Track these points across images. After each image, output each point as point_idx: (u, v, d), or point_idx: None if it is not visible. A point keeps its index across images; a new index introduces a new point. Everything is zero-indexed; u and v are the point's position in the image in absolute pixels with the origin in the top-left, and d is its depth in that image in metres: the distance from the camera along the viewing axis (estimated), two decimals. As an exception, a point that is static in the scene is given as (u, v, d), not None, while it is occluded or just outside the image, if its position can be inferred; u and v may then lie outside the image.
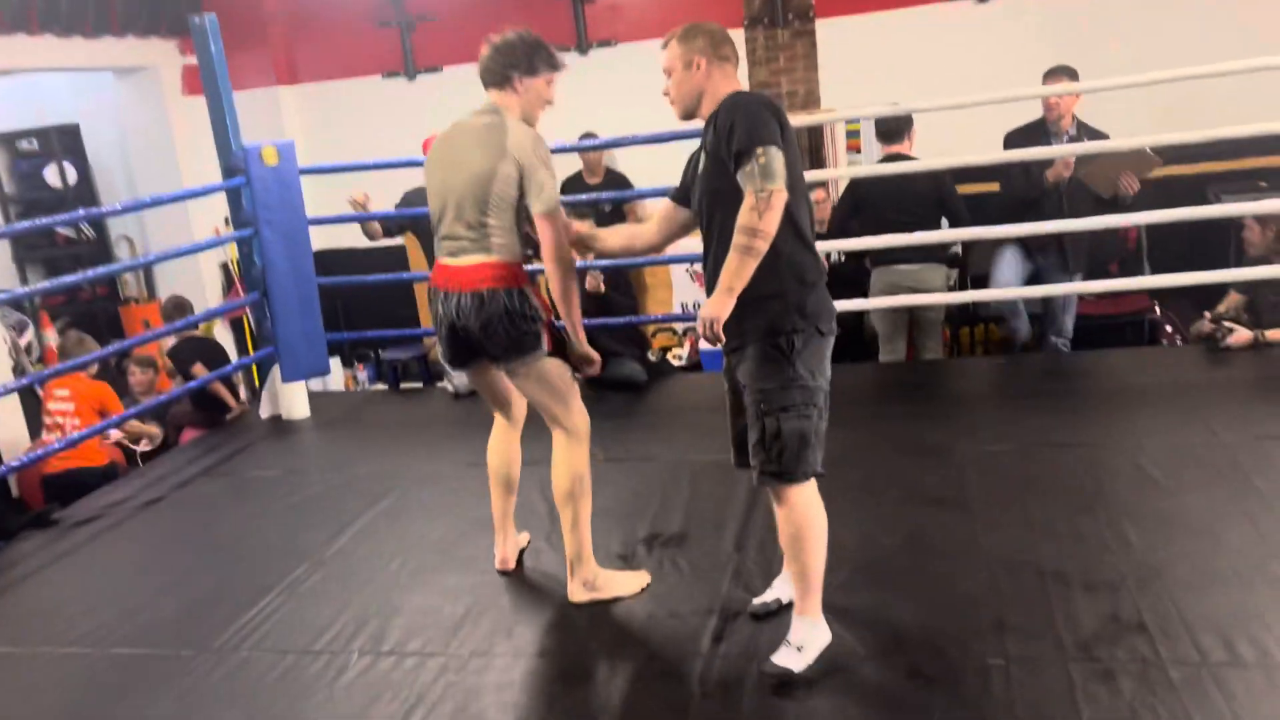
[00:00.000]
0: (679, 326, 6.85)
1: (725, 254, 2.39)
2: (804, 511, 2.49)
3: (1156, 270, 5.49)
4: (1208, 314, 4.50)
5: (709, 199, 2.53)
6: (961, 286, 5.55)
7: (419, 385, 6.52)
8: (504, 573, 3.18)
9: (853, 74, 6.44)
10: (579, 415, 2.97)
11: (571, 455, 2.93)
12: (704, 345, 6.22)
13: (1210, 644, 2.41)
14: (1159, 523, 3.01)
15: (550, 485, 2.98)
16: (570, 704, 2.51)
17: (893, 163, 4.82)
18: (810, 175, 5.78)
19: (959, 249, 5.50)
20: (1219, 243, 5.27)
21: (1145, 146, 4.33)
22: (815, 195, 5.88)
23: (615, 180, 5.29)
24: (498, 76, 2.87)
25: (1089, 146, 4.47)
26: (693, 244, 6.37)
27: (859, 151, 6.55)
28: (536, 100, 2.91)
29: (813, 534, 2.50)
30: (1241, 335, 4.31)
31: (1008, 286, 4.74)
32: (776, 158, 2.34)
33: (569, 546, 2.95)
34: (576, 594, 2.96)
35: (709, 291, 2.48)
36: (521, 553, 3.26)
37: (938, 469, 3.60)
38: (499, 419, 3.18)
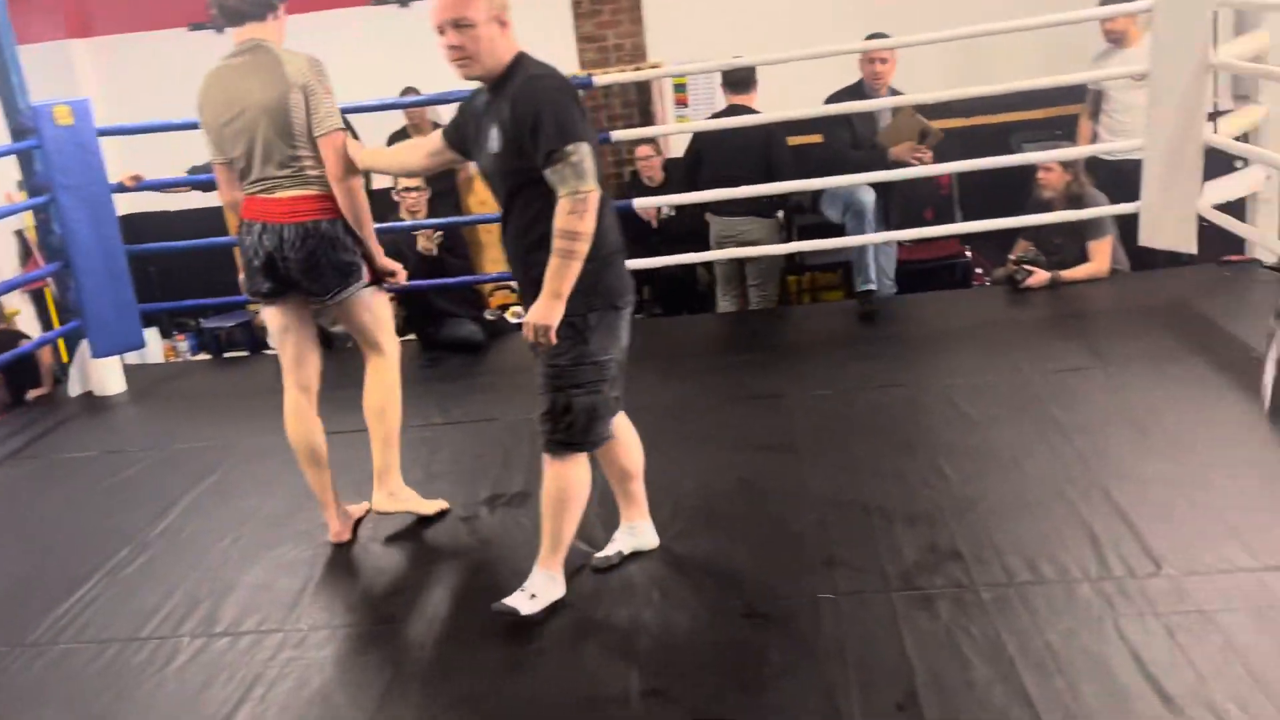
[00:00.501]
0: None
1: (524, 232, 2.44)
2: (573, 479, 2.57)
3: (968, 217, 5.80)
4: (1011, 258, 4.79)
5: (506, 180, 2.48)
6: (789, 238, 5.71)
7: (244, 354, 6.26)
8: (340, 545, 3.11)
9: (679, 27, 6.47)
10: (395, 338, 3.14)
11: (388, 375, 3.10)
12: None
13: (1016, 565, 2.60)
14: (971, 456, 3.21)
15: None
16: (416, 670, 2.50)
17: (732, 116, 4.90)
18: (641, 132, 5.85)
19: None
20: (1023, 189, 5.59)
21: (931, 126, 4.57)
22: (640, 151, 5.91)
23: None
24: (260, 9, 2.88)
25: (898, 100, 4.64)
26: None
27: (687, 106, 6.61)
28: (284, 31, 2.95)
29: (575, 501, 2.59)
30: (1039, 276, 4.61)
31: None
32: (588, 155, 2.34)
33: (379, 459, 3.09)
34: (381, 503, 3.10)
35: (511, 264, 2.56)
36: (358, 523, 3.20)
37: (768, 415, 3.73)
38: (291, 393, 3.08)
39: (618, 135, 4.99)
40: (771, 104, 5.00)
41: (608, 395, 2.56)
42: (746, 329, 4.96)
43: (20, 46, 4.56)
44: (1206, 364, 3.67)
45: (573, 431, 2.52)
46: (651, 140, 5.87)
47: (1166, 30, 4.18)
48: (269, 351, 5.35)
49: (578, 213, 2.32)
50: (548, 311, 2.37)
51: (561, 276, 2.35)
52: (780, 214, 5.34)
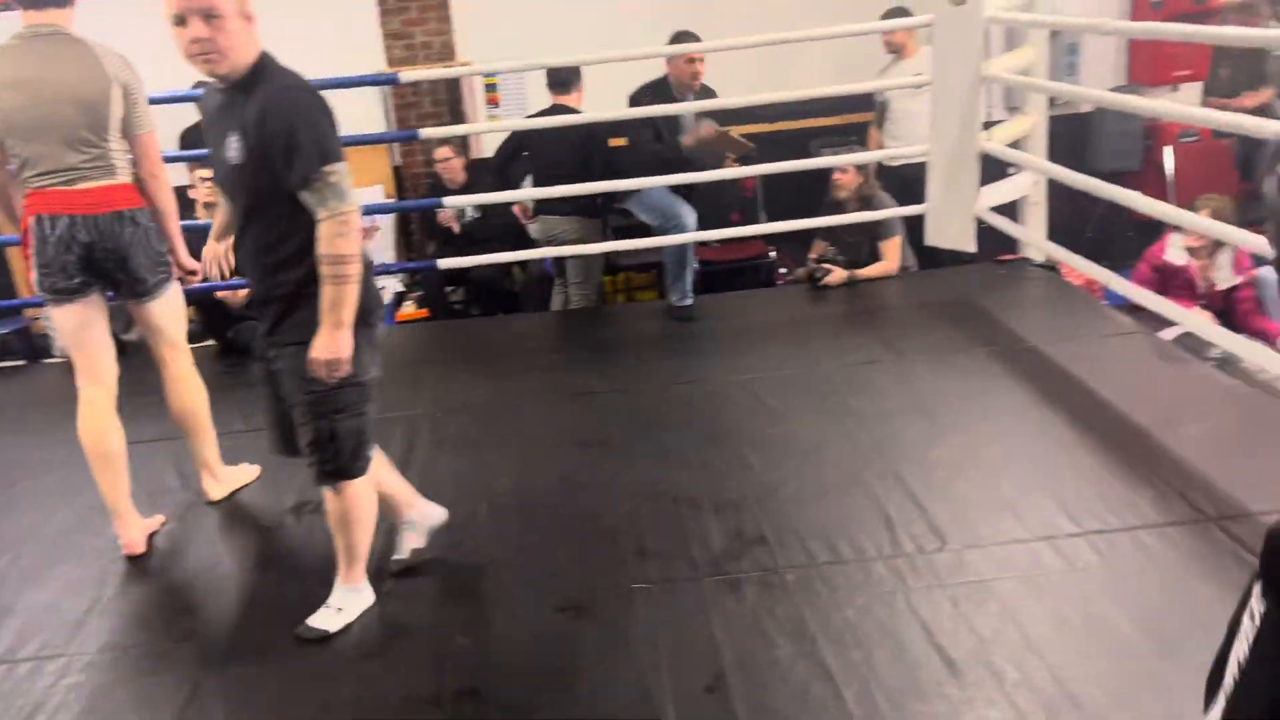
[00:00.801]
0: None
1: (266, 250, 2.34)
2: (356, 500, 2.52)
3: (772, 218, 6.04)
4: (810, 258, 5.02)
5: (247, 194, 2.34)
6: (606, 238, 5.77)
7: (20, 363, 5.80)
8: (134, 558, 2.94)
9: (488, 26, 6.43)
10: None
11: (193, 371, 3.14)
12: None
13: (817, 548, 2.73)
14: (774, 446, 3.35)
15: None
16: (217, 687, 2.39)
17: (554, 115, 4.92)
18: (450, 130, 5.79)
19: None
20: (822, 192, 5.87)
21: (743, 141, 4.75)
22: (439, 153, 5.83)
23: None
24: None
25: (712, 103, 4.77)
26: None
27: (498, 105, 6.58)
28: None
29: (364, 518, 2.55)
30: (837, 275, 4.85)
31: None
32: (346, 175, 2.27)
33: (202, 454, 3.19)
34: (216, 492, 3.22)
35: (250, 280, 2.48)
36: (153, 536, 3.03)
37: (583, 412, 3.77)
38: (88, 391, 2.93)
39: (426, 133, 4.91)
40: (584, 104, 5.06)
41: (371, 417, 2.50)
42: (563, 328, 4.99)
43: None
44: (986, 354, 3.96)
45: (341, 459, 2.44)
46: (451, 141, 5.81)
47: (945, 44, 4.49)
48: (50, 360, 4.98)
49: (343, 234, 2.23)
50: (335, 343, 2.28)
51: (342, 304, 2.26)
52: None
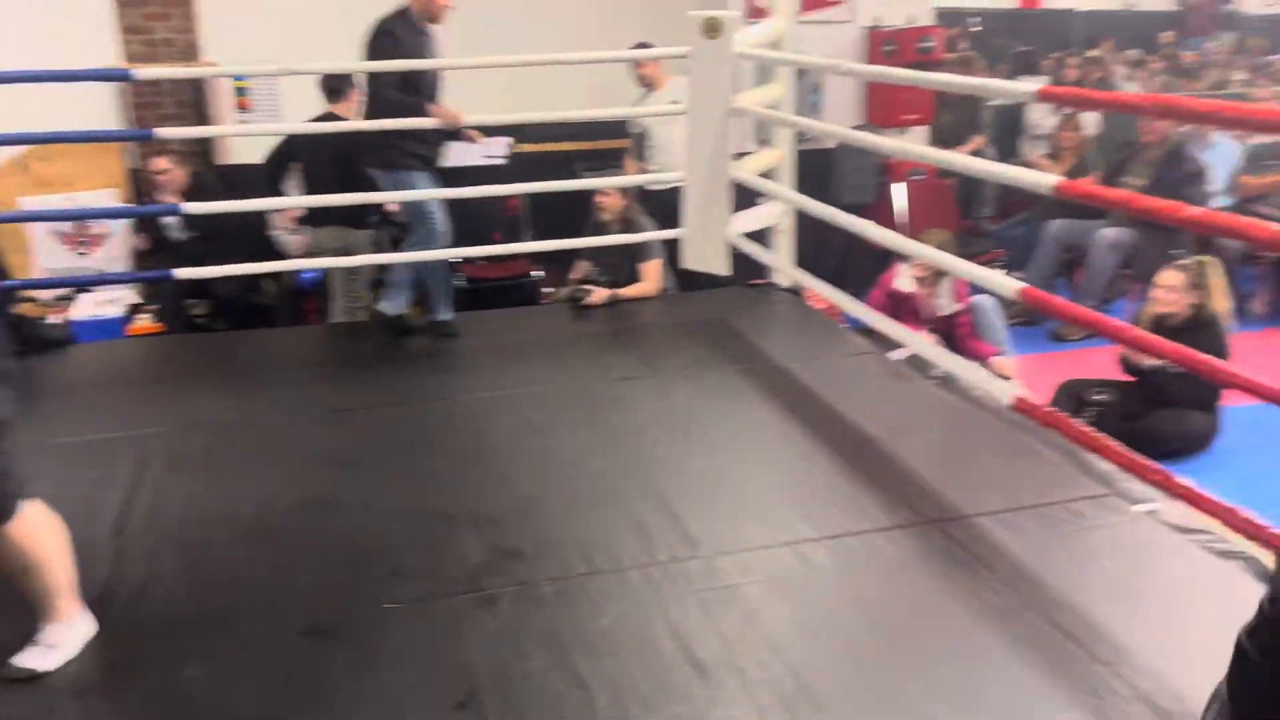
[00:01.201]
0: (43, 295, 6.00)
1: None
2: (31, 541, 2.26)
3: (537, 238, 6.08)
4: (572, 278, 5.10)
5: None
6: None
7: None
8: None
9: (236, 26, 6.10)
10: None
11: None
12: (77, 315, 5.57)
13: (574, 559, 2.75)
14: (535, 460, 3.36)
15: None
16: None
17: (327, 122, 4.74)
18: (190, 131, 5.47)
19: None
20: (585, 213, 5.97)
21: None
22: (155, 164, 5.46)
23: None
24: None
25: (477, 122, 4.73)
26: (56, 203, 5.64)
27: (248, 110, 6.26)
28: None
29: (48, 556, 2.30)
30: (599, 295, 4.94)
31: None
32: None
33: None
34: None
35: None
36: None
37: (337, 431, 3.63)
38: None
39: (161, 133, 4.61)
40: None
41: (14, 456, 2.25)
42: (316, 344, 4.80)
43: None
44: (737, 372, 4.14)
45: None
46: (173, 152, 5.46)
47: (699, 75, 4.68)
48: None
49: None
50: None
51: None
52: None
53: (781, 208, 5.28)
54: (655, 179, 5.32)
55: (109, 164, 6.00)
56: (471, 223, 5.74)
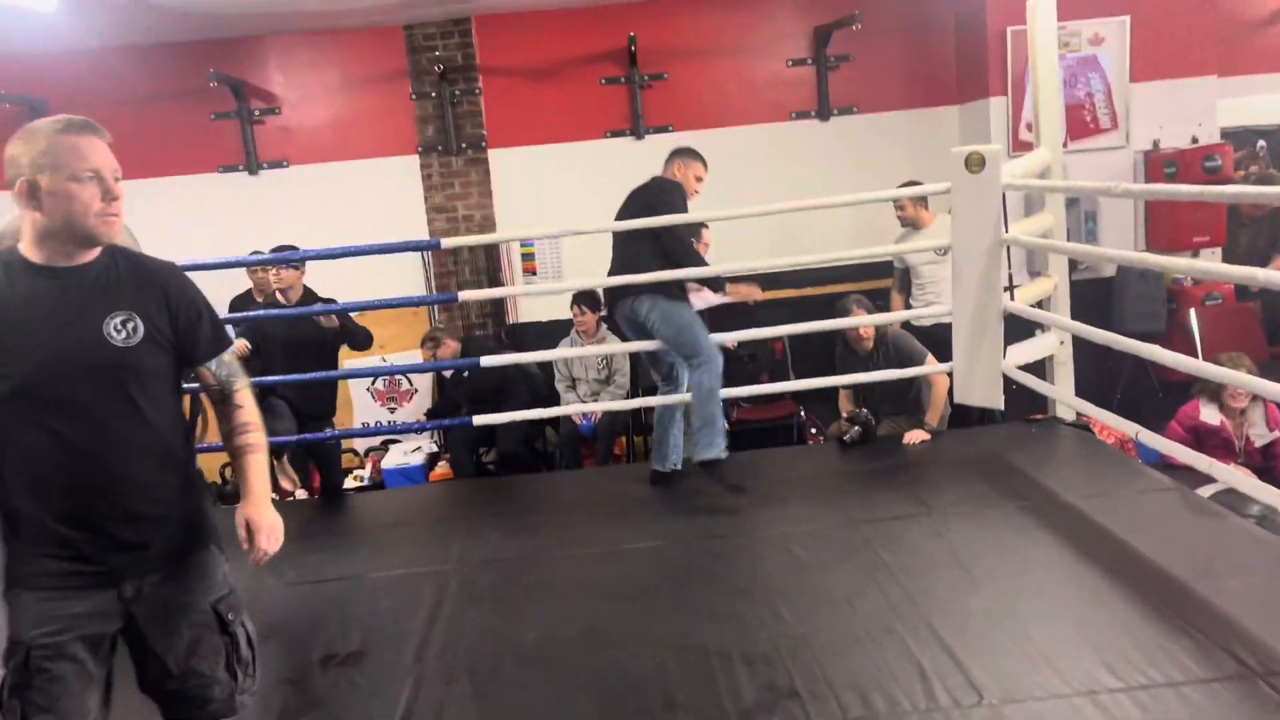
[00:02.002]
0: (360, 446, 6.70)
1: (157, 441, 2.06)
2: None
3: (800, 379, 6.13)
4: (843, 417, 5.06)
5: (132, 377, 2.03)
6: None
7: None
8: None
9: (527, 201, 6.77)
10: None
11: None
12: (387, 464, 6.16)
13: (850, 700, 2.66)
14: (805, 598, 3.31)
15: None
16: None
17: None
18: (495, 293, 6.05)
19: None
20: (854, 357, 5.98)
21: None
22: (445, 348, 5.97)
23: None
24: None
25: (741, 269, 4.95)
26: (370, 361, 6.33)
27: (535, 274, 6.85)
28: None
29: None
30: (915, 436, 4.86)
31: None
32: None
33: None
34: None
35: (130, 491, 2.03)
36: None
37: (612, 567, 3.75)
38: None
39: (465, 295, 5.16)
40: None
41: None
42: (592, 485, 5.02)
43: None
44: (1019, 509, 3.92)
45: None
46: (435, 338, 6.05)
47: (964, 209, 4.65)
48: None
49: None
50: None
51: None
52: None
53: (1059, 337, 5.06)
54: (924, 314, 5.25)
55: (418, 328, 6.71)
56: (738, 366, 5.90)
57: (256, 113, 6.68)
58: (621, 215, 4.60)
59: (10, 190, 1.95)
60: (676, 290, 4.51)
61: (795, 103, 6.82)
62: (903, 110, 6.80)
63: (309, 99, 6.75)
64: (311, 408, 4.98)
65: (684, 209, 4.52)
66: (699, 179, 4.65)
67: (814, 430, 6.02)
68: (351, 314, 4.96)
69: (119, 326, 2.01)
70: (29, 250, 1.98)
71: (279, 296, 4.97)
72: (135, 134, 6.54)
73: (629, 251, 4.56)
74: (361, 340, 4.98)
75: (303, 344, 4.87)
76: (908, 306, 5.64)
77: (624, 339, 4.95)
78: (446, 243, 4.79)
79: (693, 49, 6.75)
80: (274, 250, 4.94)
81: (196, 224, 4.82)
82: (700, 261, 4.58)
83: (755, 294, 4.83)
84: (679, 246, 4.51)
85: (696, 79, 6.77)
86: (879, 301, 6.13)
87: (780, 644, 2.99)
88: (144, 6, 5.49)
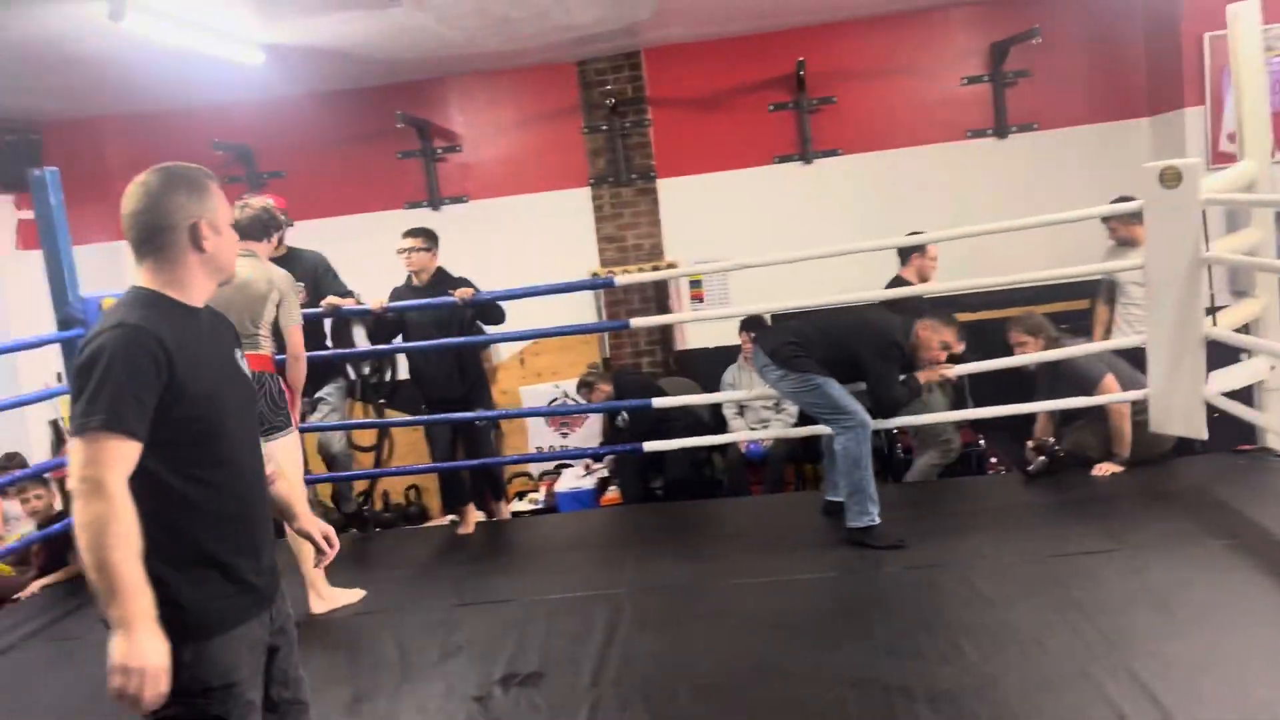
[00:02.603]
0: (534, 470, 6.88)
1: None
2: None
3: (979, 405, 5.89)
4: (1030, 444, 4.82)
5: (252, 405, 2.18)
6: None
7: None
8: (353, 722, 3.06)
9: (694, 229, 6.83)
10: None
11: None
12: (560, 488, 6.30)
13: (1042, 746, 2.53)
14: (991, 635, 3.17)
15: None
16: None
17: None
18: (664, 319, 6.09)
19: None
20: (1030, 378, 5.70)
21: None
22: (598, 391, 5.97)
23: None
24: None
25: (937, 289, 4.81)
26: (547, 391, 6.51)
27: (702, 300, 6.88)
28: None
29: None
30: (1103, 469, 4.62)
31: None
32: None
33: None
34: (318, 606, 3.96)
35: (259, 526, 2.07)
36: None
37: (786, 596, 3.70)
38: None
39: (636, 322, 5.22)
40: (773, 298, 5.19)
41: None
42: (762, 513, 4.98)
43: (76, 247, 4.88)
44: (1225, 547, 3.65)
45: None
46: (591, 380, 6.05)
47: (1159, 227, 4.39)
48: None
49: None
50: None
51: None
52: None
53: (1269, 363, 4.70)
54: (1122, 344, 4.90)
55: (588, 354, 6.85)
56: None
57: (439, 151, 7.01)
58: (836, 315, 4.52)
59: (161, 234, 1.99)
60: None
61: (970, 121, 6.62)
62: (1087, 125, 6.50)
63: (487, 136, 7.03)
64: (452, 390, 5.01)
65: (890, 370, 4.23)
66: (946, 348, 4.35)
67: (994, 460, 5.78)
68: (526, 341, 5.09)
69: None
70: (174, 292, 1.99)
71: (414, 279, 5.03)
72: (331, 174, 6.99)
73: (820, 335, 4.28)
74: (496, 315, 4.98)
75: (438, 325, 4.91)
76: (1112, 319, 5.39)
77: None
78: (621, 280, 4.91)
79: (862, 71, 6.67)
80: (405, 234, 5.00)
81: (386, 259, 5.05)
82: (896, 402, 4.31)
83: (948, 373, 4.57)
84: (884, 386, 4.24)
85: (866, 101, 6.67)
86: (1064, 324, 5.83)
87: (965, 683, 2.88)
88: (339, 56, 5.87)
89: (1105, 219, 5.21)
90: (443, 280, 4.97)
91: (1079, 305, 5.92)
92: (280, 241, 4.60)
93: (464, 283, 4.89)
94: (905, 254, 5.27)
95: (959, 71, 6.61)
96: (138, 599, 1.73)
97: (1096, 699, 2.72)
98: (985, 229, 4.73)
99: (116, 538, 1.73)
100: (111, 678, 1.71)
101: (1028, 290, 6.02)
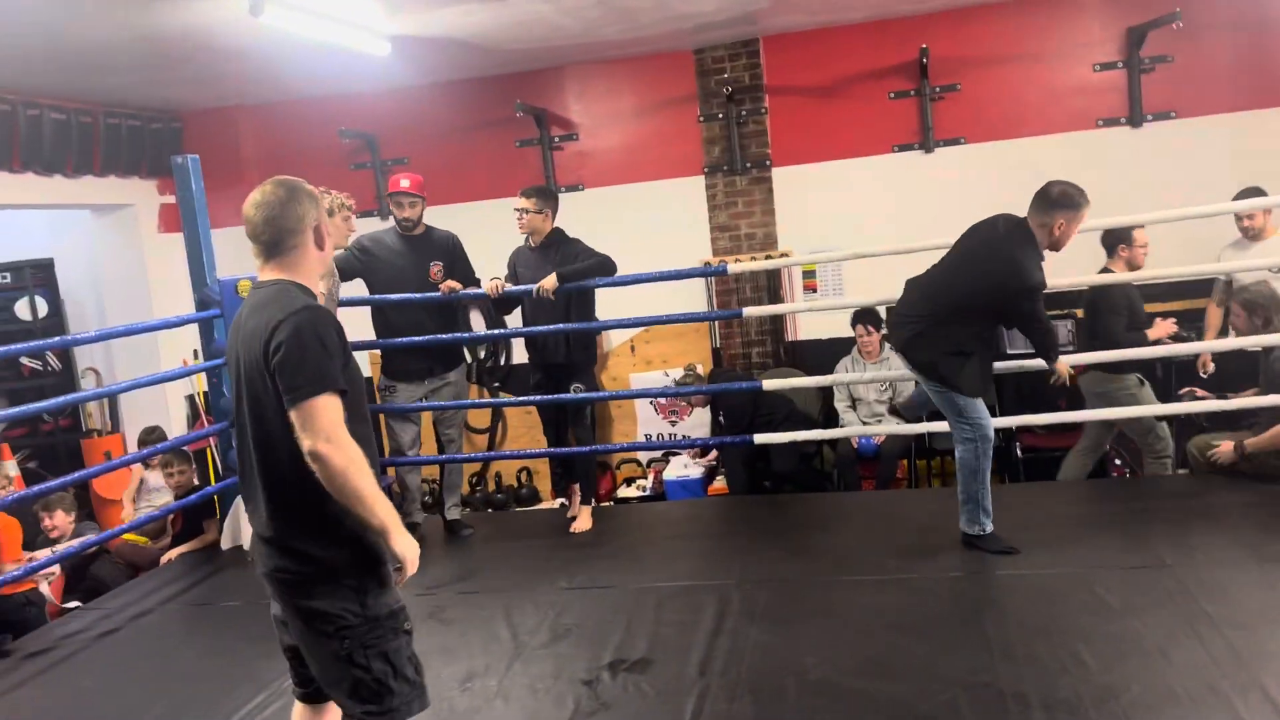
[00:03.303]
0: (642, 457, 6.94)
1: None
2: None
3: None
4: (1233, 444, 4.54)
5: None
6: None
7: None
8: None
9: (807, 218, 6.75)
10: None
11: None
12: (668, 475, 6.33)
13: (1166, 762, 2.45)
14: (1112, 645, 3.07)
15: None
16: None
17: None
18: (778, 309, 6.03)
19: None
20: (1151, 375, 5.47)
21: None
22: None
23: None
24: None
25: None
26: (657, 379, 6.52)
27: (815, 291, 6.80)
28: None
29: None
30: (1224, 448, 4.46)
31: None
32: None
33: None
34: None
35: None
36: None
37: (898, 594, 3.65)
38: None
39: (749, 311, 5.19)
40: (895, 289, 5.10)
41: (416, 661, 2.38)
42: (874, 508, 4.91)
43: (213, 231, 5.13)
44: (1375, 563, 3.45)
45: None
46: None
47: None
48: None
49: None
50: None
51: None
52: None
53: None
54: (1248, 342, 4.69)
55: (699, 343, 6.86)
56: (1033, 391, 5.58)
57: (556, 139, 7.10)
58: (956, 251, 4.06)
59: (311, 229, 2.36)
60: (963, 349, 3.91)
61: (1103, 109, 6.36)
62: (1229, 113, 6.17)
63: (603, 124, 7.08)
64: (558, 354, 4.87)
65: (1034, 282, 3.80)
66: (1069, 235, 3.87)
67: (1119, 461, 5.57)
68: (639, 328, 5.00)
69: None
70: (313, 283, 2.38)
71: (530, 240, 4.89)
72: (452, 161, 7.14)
73: (945, 286, 3.96)
74: (598, 269, 4.80)
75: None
76: (1226, 319, 5.11)
77: None
78: (733, 269, 4.89)
79: (988, 57, 6.47)
80: (521, 193, 4.87)
81: (505, 246, 5.10)
82: (1053, 340, 4.08)
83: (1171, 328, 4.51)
84: (1033, 316, 3.91)
85: (991, 88, 6.47)
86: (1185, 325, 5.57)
87: (1084, 692, 2.79)
88: (462, 46, 5.99)
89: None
90: (557, 242, 4.87)
91: (1195, 304, 5.64)
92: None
93: (579, 245, 4.84)
94: (1111, 246, 4.90)
95: (1091, 58, 6.34)
96: (392, 512, 2.17)
97: (1226, 716, 2.61)
98: (1112, 221, 4.56)
99: (366, 474, 2.13)
100: (405, 568, 2.19)
101: (1156, 286, 5.78)
